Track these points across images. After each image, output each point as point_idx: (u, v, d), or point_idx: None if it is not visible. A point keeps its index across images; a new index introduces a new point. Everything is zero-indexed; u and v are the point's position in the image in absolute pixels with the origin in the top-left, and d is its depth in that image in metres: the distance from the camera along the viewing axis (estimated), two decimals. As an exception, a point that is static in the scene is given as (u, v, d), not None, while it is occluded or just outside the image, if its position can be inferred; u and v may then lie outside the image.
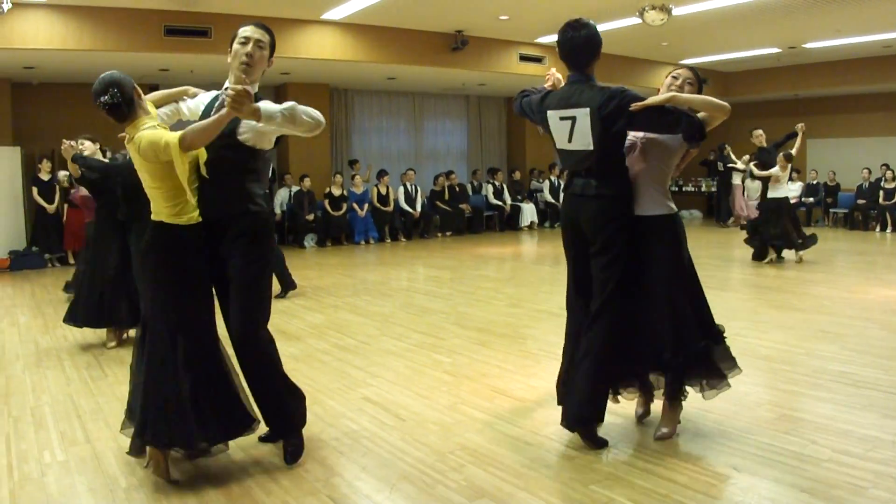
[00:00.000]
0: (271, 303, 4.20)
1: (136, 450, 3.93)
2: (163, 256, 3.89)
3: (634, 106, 4.05)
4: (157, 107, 4.04)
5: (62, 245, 13.35)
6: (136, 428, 3.82)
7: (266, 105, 3.68)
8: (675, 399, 4.38)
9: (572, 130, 4.22)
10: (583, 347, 4.29)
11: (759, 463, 3.95)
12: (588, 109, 4.14)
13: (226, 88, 3.90)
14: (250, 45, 3.99)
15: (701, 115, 4.19)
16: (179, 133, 3.63)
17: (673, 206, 4.35)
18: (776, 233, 11.61)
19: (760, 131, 12.07)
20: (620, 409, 4.88)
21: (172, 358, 3.79)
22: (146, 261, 4.01)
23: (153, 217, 3.94)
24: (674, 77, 4.42)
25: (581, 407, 4.24)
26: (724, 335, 4.49)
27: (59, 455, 4.32)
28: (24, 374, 6.15)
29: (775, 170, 11.43)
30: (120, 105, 3.73)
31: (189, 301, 3.91)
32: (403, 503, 3.62)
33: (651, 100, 4.09)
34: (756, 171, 11.67)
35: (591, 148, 4.16)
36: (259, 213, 3.95)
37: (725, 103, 4.21)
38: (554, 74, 4.66)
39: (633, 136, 4.32)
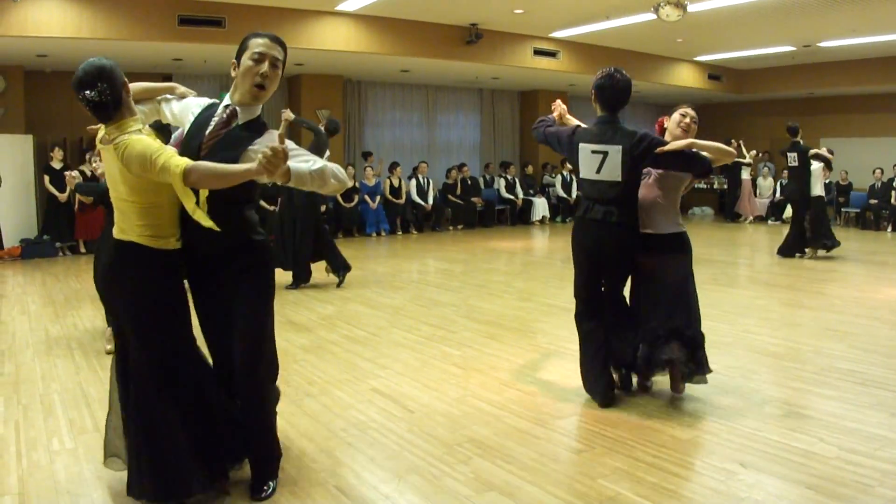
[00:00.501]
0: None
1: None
2: (135, 286, 3.39)
3: (660, 150, 4.75)
4: (136, 101, 3.50)
5: (73, 234, 13.38)
6: (131, 484, 3.42)
7: (297, 167, 3.27)
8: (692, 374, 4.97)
9: (602, 163, 4.84)
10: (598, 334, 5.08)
11: (766, 459, 3.95)
12: (620, 147, 4.78)
13: (227, 106, 3.55)
14: (266, 64, 3.48)
15: (709, 155, 4.87)
16: (186, 163, 3.13)
17: (683, 225, 5.05)
18: (823, 231, 12.23)
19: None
20: (627, 405, 4.89)
21: (161, 398, 3.37)
22: (114, 289, 3.54)
23: (118, 235, 3.43)
24: (682, 115, 5.09)
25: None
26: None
27: (68, 443, 4.34)
28: (34, 361, 6.18)
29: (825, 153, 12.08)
30: (107, 105, 3.29)
31: (170, 333, 3.47)
32: (411, 495, 3.63)
33: (674, 144, 4.79)
34: (823, 153, 11.90)
35: (620, 179, 4.80)
36: (262, 243, 3.66)
37: (732, 149, 5.05)
38: (560, 105, 5.42)
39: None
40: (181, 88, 3.80)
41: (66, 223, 13.29)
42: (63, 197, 13.12)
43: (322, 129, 9.26)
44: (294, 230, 9.40)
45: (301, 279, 9.59)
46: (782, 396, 5.07)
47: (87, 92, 3.28)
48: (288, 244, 9.46)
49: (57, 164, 13.20)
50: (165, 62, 14.36)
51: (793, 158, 12.02)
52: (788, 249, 12.25)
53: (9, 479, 3.80)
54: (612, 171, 4.80)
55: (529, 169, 20.02)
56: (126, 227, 3.40)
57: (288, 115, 9.08)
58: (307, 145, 8.88)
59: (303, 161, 3.37)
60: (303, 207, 9.34)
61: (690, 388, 5.14)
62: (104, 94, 3.26)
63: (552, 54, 16.19)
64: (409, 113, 19.22)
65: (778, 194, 19.43)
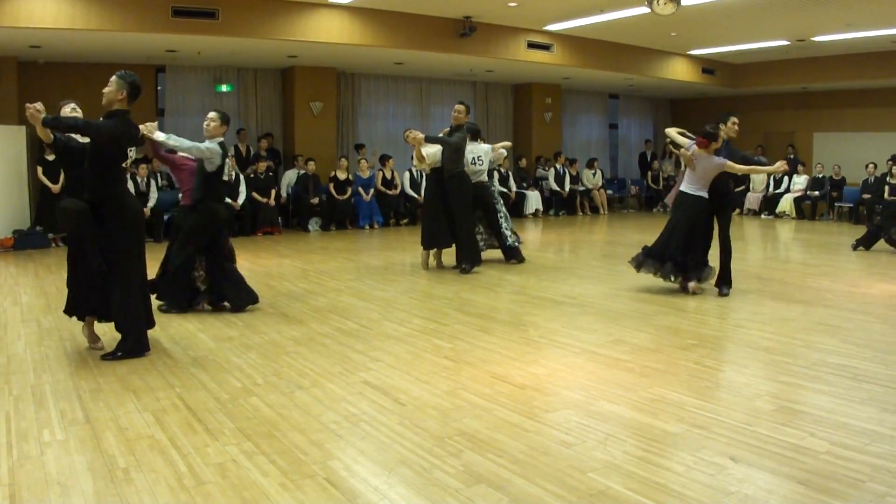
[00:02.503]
0: None
1: None
2: None
3: None
4: None
5: (67, 225, 13.31)
6: None
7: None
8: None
9: None
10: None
11: (757, 454, 3.95)
12: None
13: None
14: None
15: None
16: None
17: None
18: None
19: None
20: (620, 398, 4.90)
21: None
22: None
23: None
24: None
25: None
26: None
27: (59, 434, 4.33)
28: (26, 353, 6.17)
29: None
30: None
31: None
32: (401, 488, 3.63)
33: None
34: None
35: None
36: None
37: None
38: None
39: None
40: None
41: (58, 214, 13.25)
42: (56, 188, 13.05)
43: (445, 137, 10.12)
44: (446, 215, 10.20)
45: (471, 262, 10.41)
46: (773, 391, 5.08)
47: None
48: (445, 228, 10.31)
49: (50, 156, 13.13)
50: (159, 54, 14.31)
51: None
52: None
53: (-1, 471, 3.80)
54: None
55: (523, 162, 20.01)
56: None
57: (415, 135, 10.12)
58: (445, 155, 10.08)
59: None
60: (456, 194, 10.07)
61: (685, 384, 5.17)
62: None
63: (546, 47, 16.19)
64: (402, 105, 19.21)
65: (771, 188, 19.48)
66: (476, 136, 10.98)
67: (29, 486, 3.61)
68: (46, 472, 3.78)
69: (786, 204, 19.03)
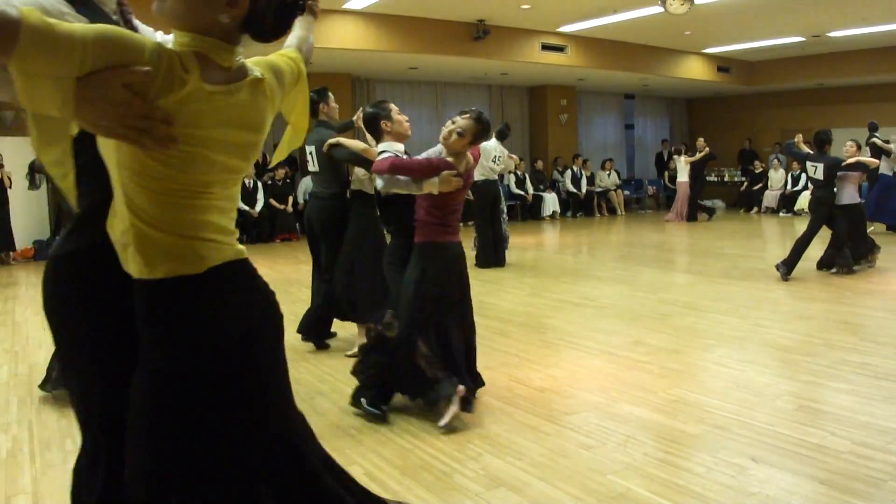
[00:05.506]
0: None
1: None
2: None
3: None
4: None
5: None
6: None
7: None
8: None
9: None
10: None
11: (778, 454, 3.94)
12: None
13: None
14: None
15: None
16: None
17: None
18: None
19: None
20: (640, 400, 4.89)
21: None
22: None
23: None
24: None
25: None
26: None
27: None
28: (48, 362, 6.20)
29: None
30: None
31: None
32: (420, 492, 3.63)
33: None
34: None
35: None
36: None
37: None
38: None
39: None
40: None
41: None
42: (74, 198, 13.16)
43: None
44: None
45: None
46: (794, 390, 5.06)
47: None
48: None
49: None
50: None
51: None
52: None
53: (22, 479, 3.83)
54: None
55: (539, 164, 20.01)
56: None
57: None
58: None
59: None
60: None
61: (705, 385, 5.15)
62: None
63: (560, 49, 16.19)
64: (417, 110, 19.24)
65: (789, 186, 19.39)
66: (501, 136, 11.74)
67: (52, 495, 3.64)
68: (69, 480, 3.80)
69: (804, 201, 18.87)
